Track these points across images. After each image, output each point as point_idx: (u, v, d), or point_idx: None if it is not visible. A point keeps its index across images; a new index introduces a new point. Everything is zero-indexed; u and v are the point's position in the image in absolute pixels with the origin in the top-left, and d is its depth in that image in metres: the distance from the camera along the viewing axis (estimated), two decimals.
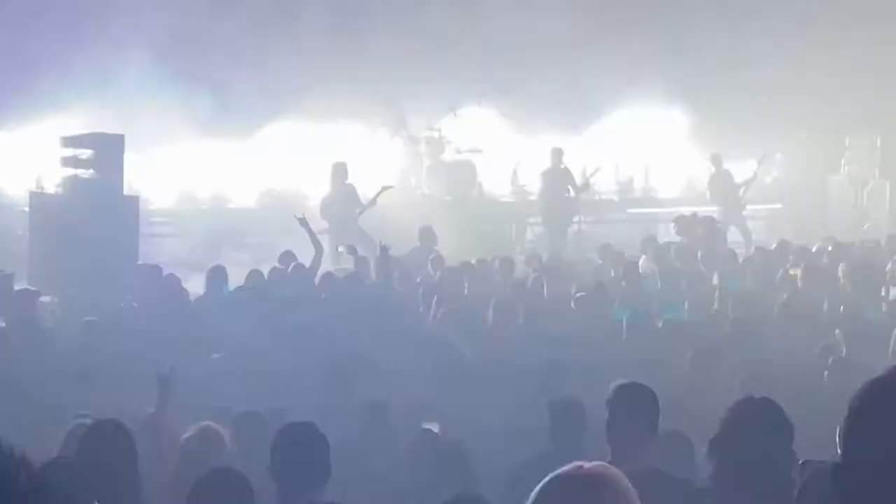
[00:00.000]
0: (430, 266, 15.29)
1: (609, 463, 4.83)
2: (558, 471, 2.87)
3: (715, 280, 13.78)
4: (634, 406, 5.75)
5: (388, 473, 6.95)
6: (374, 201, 18.97)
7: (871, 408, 1.98)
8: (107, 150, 15.57)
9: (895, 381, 2.00)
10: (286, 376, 9.32)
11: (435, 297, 12.03)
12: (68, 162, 15.86)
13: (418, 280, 14.01)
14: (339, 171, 19.15)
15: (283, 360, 9.84)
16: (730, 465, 4.80)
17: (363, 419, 7.77)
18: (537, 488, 2.87)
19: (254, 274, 13.65)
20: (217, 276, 13.14)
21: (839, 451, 2.04)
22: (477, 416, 8.34)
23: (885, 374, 2.01)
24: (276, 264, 14.53)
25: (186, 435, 6.83)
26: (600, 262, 16.33)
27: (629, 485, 2.90)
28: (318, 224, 18.17)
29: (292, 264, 14.22)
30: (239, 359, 9.98)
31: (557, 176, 20.39)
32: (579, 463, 2.92)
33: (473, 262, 15.59)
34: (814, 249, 16.77)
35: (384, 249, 14.11)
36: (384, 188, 19.28)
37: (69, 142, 16.04)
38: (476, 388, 9.01)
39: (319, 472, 5.44)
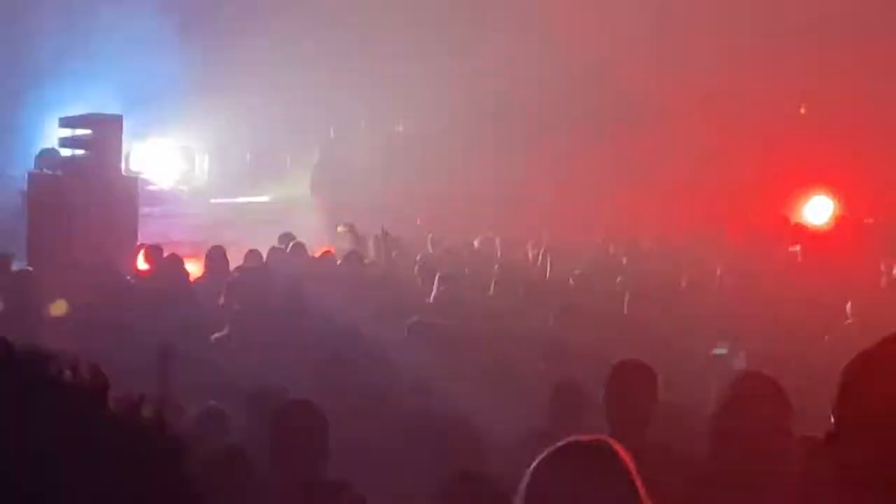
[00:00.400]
0: (429, 244, 15.32)
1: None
2: (556, 444, 2.89)
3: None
4: (633, 383, 5.77)
5: (387, 451, 6.95)
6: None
7: (862, 378, 1.99)
8: (105, 131, 15.56)
9: (887, 351, 2.01)
10: (285, 354, 9.31)
11: (437, 275, 12.02)
12: (67, 142, 15.85)
13: (418, 258, 14.02)
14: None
15: (282, 338, 9.84)
16: (728, 441, 4.82)
17: (360, 397, 7.76)
18: (535, 462, 2.89)
19: (252, 254, 13.65)
20: (216, 256, 13.15)
21: (832, 421, 2.05)
22: (476, 394, 8.34)
23: (876, 343, 2.02)
24: (276, 244, 14.55)
25: (189, 414, 6.84)
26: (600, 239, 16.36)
27: (626, 457, 2.91)
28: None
29: (291, 244, 14.25)
30: (239, 338, 9.99)
31: None
32: (576, 437, 2.93)
33: (476, 243, 15.63)
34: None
35: (384, 231, 14.19)
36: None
37: (67, 122, 16.03)
38: (476, 367, 9.01)
39: (318, 451, 5.45)
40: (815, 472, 3.59)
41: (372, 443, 7.05)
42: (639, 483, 2.90)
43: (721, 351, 6.78)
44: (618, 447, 2.95)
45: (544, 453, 2.89)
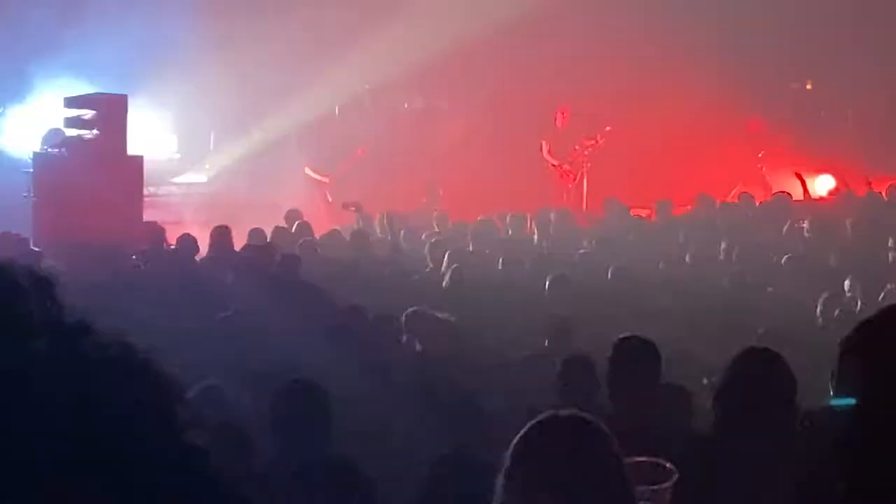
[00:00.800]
0: (434, 224, 15.29)
1: (613, 414, 4.83)
2: (535, 419, 2.92)
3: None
4: (636, 359, 5.74)
5: (390, 429, 6.93)
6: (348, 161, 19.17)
7: (860, 347, 1.96)
8: (110, 111, 15.56)
9: (885, 321, 1.97)
10: (290, 334, 9.29)
11: (447, 253, 11.97)
12: (71, 122, 15.83)
13: (424, 237, 13.98)
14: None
15: (287, 317, 9.81)
16: (732, 415, 4.79)
17: (366, 375, 7.75)
18: (515, 439, 2.92)
19: (256, 233, 13.62)
20: (221, 235, 13.11)
21: (832, 391, 2.02)
22: (484, 371, 8.32)
23: (876, 313, 1.99)
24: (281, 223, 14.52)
25: (189, 394, 6.79)
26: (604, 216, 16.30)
27: (605, 431, 2.92)
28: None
29: (296, 223, 14.23)
30: (244, 317, 9.97)
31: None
32: (553, 411, 2.96)
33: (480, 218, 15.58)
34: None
35: (389, 213, 14.19)
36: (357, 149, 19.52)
37: (72, 102, 16.01)
38: (485, 344, 8.99)
39: (320, 427, 5.44)
40: (815, 443, 3.57)
41: (375, 420, 7.04)
42: (619, 455, 2.91)
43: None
44: (596, 420, 2.96)
45: (524, 429, 2.92)
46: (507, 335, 9.42)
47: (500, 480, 2.89)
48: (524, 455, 2.87)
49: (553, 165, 20.22)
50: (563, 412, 2.95)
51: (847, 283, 10.44)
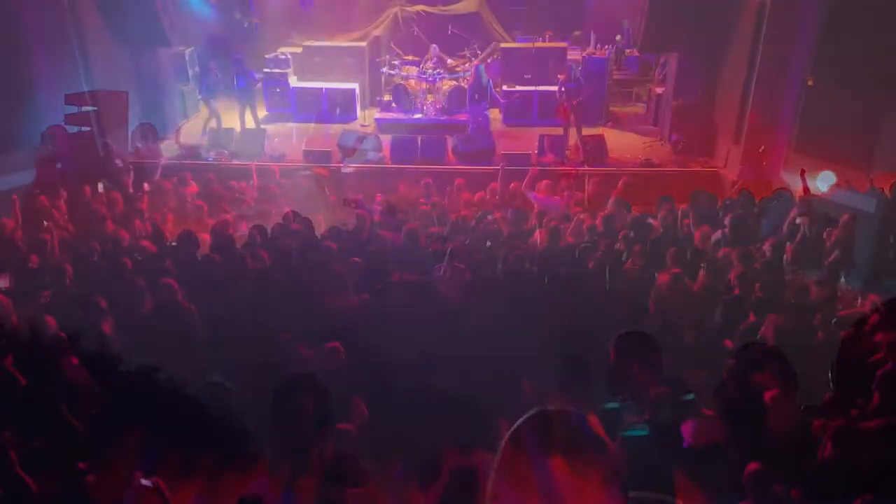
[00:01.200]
0: (436, 220, 15.29)
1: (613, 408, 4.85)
2: (525, 416, 2.95)
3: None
4: (638, 353, 5.74)
5: (388, 425, 6.94)
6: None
7: (863, 341, 1.97)
8: (112, 107, 15.58)
9: (887, 316, 1.98)
10: (290, 330, 9.31)
11: (449, 250, 11.98)
12: (73, 119, 15.85)
13: (425, 232, 13.98)
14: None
15: (287, 313, 9.83)
16: (732, 409, 4.80)
17: (364, 372, 7.76)
18: (508, 433, 2.95)
19: (257, 229, 13.61)
20: (221, 231, 13.12)
21: (831, 383, 2.03)
22: (484, 368, 8.32)
23: (872, 309, 2.00)
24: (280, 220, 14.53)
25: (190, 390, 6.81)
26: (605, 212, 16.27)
27: (591, 426, 2.95)
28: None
29: (296, 219, 14.23)
30: (244, 314, 9.98)
31: None
32: (542, 407, 2.98)
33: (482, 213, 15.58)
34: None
35: (389, 206, 14.16)
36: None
37: (74, 99, 16.02)
38: (483, 341, 8.99)
39: (319, 422, 5.45)
40: (814, 435, 3.59)
41: (376, 417, 7.06)
42: (606, 450, 2.93)
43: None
44: (581, 415, 2.98)
45: (513, 426, 2.95)
46: (507, 332, 9.41)
47: (491, 475, 2.92)
48: (514, 450, 2.90)
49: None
50: (551, 408, 2.98)
51: (848, 279, 10.46)
